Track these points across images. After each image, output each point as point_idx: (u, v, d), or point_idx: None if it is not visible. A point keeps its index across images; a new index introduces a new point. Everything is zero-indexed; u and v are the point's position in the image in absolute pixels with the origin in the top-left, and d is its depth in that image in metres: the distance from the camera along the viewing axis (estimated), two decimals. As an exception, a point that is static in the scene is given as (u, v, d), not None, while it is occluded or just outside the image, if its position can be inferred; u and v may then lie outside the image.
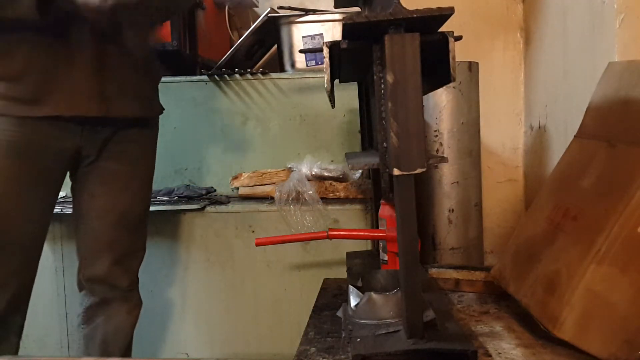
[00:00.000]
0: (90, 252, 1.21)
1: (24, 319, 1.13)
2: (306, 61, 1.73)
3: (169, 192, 1.63)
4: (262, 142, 1.72)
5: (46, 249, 1.15)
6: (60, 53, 1.06)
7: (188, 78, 1.72)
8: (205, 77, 1.71)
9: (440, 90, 1.49)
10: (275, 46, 1.85)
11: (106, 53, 1.11)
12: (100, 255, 1.20)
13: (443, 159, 0.80)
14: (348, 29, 0.70)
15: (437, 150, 1.52)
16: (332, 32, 1.70)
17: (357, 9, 1.14)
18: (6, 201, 1.04)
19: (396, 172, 0.70)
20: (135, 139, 1.21)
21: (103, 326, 1.23)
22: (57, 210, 1.18)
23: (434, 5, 0.66)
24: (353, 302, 0.88)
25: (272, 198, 1.54)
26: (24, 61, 1.03)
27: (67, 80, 1.07)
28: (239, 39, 1.78)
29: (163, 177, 1.74)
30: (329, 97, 0.85)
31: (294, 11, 1.77)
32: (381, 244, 1.14)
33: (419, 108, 0.69)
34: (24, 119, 1.04)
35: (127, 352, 1.27)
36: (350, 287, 0.90)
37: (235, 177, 1.66)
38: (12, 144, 1.04)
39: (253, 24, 1.75)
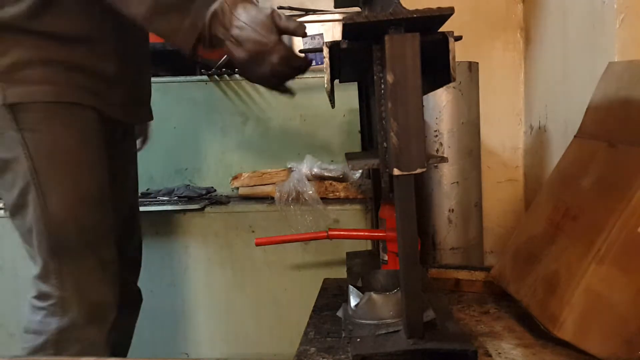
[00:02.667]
0: None
1: None
2: (306, 61, 1.73)
3: (169, 192, 1.63)
4: (262, 142, 1.72)
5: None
6: (124, 52, 1.07)
7: (188, 78, 1.72)
8: (205, 77, 1.70)
9: (440, 90, 1.49)
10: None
11: (143, 58, 1.16)
12: None
13: (443, 159, 0.80)
14: (348, 29, 0.70)
15: (437, 150, 1.52)
16: (332, 32, 1.70)
17: (357, 9, 1.14)
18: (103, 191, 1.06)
19: (396, 172, 0.70)
20: (130, 140, 1.25)
21: None
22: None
23: (434, 5, 0.66)
24: (353, 302, 0.88)
25: (272, 198, 1.54)
26: (110, 56, 1.03)
27: (124, 82, 1.08)
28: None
29: (163, 177, 1.74)
30: (329, 97, 0.85)
31: (294, 11, 1.76)
32: (381, 244, 1.14)
33: (419, 108, 0.69)
34: (89, 110, 1.02)
35: (126, 351, 1.27)
36: (350, 287, 0.90)
37: (235, 177, 1.66)
38: (98, 135, 1.03)
39: (253, 24, 1.75)
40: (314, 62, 1.72)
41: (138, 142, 1.37)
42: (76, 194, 1.00)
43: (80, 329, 1.00)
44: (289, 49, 0.92)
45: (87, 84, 1.00)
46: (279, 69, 0.91)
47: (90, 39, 1.00)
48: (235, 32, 0.87)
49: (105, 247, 1.06)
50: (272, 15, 0.89)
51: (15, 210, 1.00)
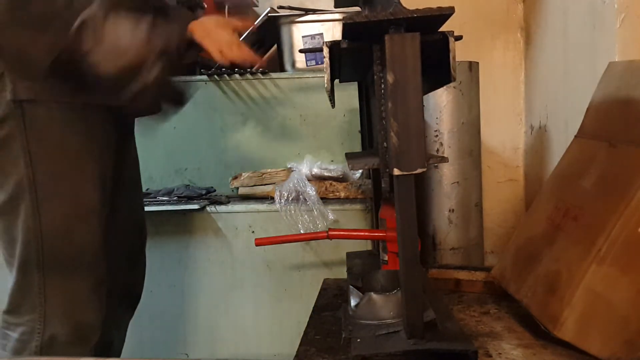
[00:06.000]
0: None
1: None
2: (306, 61, 1.73)
3: (169, 192, 1.63)
4: (262, 142, 1.71)
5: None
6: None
7: (188, 78, 1.72)
8: (205, 77, 1.70)
9: (440, 90, 1.48)
10: (275, 46, 1.85)
11: None
12: None
13: (443, 159, 0.80)
14: (348, 28, 0.70)
15: (437, 150, 1.52)
16: (332, 31, 1.70)
17: (357, 8, 1.14)
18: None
19: (396, 172, 0.70)
20: (133, 141, 1.23)
21: None
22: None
23: (434, 5, 0.66)
24: (353, 302, 0.88)
25: (272, 198, 1.54)
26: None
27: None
28: (239, 39, 1.78)
29: (163, 177, 1.73)
30: (329, 97, 0.85)
31: (294, 11, 1.76)
32: (381, 244, 1.14)
33: (419, 108, 0.69)
34: (104, 108, 0.94)
35: (121, 344, 1.25)
36: (351, 287, 0.90)
37: (235, 177, 1.66)
38: (106, 140, 0.96)
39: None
40: (313, 62, 1.73)
41: None
42: (74, 207, 0.93)
43: (62, 346, 0.93)
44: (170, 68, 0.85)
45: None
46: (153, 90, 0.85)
47: None
48: (103, 46, 0.80)
49: (99, 266, 0.99)
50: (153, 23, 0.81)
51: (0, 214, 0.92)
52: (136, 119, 1.20)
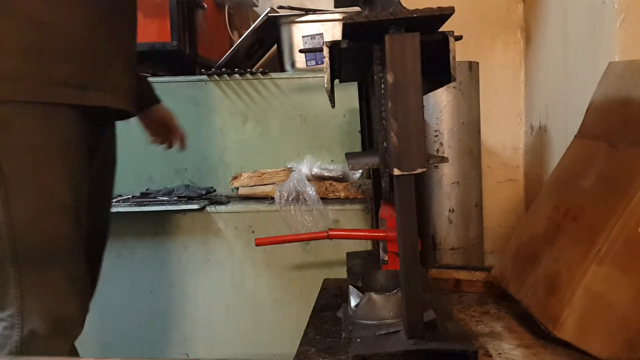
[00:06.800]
0: None
1: None
2: (306, 61, 1.73)
3: (169, 192, 1.63)
4: (262, 142, 1.71)
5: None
6: (109, 38, 0.99)
7: (188, 78, 1.72)
8: (205, 77, 1.70)
9: (440, 90, 1.49)
10: (275, 46, 1.85)
11: (133, 46, 1.10)
12: None
13: (443, 159, 0.80)
14: (348, 28, 0.70)
15: (437, 150, 1.52)
16: (332, 31, 1.70)
17: (357, 8, 1.14)
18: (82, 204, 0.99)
19: (396, 172, 0.70)
20: (112, 140, 1.20)
21: None
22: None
23: (434, 5, 0.66)
24: (353, 302, 0.88)
25: (272, 198, 1.54)
26: (72, 37, 0.92)
27: (113, 68, 1.00)
28: (239, 39, 1.78)
29: (163, 177, 1.73)
30: (329, 97, 0.85)
31: (294, 11, 1.76)
32: (381, 244, 1.14)
33: (419, 108, 0.69)
34: (71, 108, 0.93)
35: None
36: (350, 287, 0.90)
37: (235, 177, 1.66)
38: (78, 138, 0.96)
39: (253, 23, 1.75)
40: (313, 62, 1.73)
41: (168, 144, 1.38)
42: (46, 202, 0.92)
43: (42, 341, 0.93)
44: None
45: (69, 76, 0.91)
46: None
47: (70, 17, 0.91)
48: None
49: (74, 261, 0.98)
50: None
51: None
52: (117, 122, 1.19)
